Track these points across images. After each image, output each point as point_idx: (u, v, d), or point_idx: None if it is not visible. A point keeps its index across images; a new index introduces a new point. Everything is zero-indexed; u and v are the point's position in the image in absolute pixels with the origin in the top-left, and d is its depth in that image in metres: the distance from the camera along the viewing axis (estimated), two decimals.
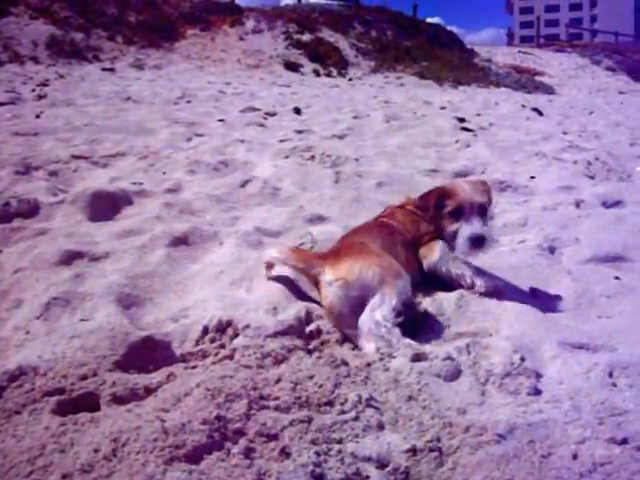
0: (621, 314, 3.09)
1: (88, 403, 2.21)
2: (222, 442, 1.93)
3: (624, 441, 2.03)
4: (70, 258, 3.44)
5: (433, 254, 3.20)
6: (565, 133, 9.82)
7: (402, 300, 2.75)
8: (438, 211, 3.20)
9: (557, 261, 3.84)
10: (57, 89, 11.03)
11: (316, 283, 2.97)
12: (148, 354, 2.55)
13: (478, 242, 3.07)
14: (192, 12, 21.36)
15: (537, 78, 27.13)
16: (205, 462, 1.85)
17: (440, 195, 3.20)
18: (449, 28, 32.96)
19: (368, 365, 2.42)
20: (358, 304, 2.75)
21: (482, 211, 3.14)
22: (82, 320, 2.77)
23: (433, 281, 3.22)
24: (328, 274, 2.85)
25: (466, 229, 3.10)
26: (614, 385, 2.40)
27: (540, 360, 2.58)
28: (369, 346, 2.60)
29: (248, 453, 1.91)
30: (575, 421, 2.13)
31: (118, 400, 2.21)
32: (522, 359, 2.49)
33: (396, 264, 2.93)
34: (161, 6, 20.89)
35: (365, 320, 2.68)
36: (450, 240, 3.18)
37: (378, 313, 2.67)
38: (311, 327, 2.80)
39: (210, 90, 12.51)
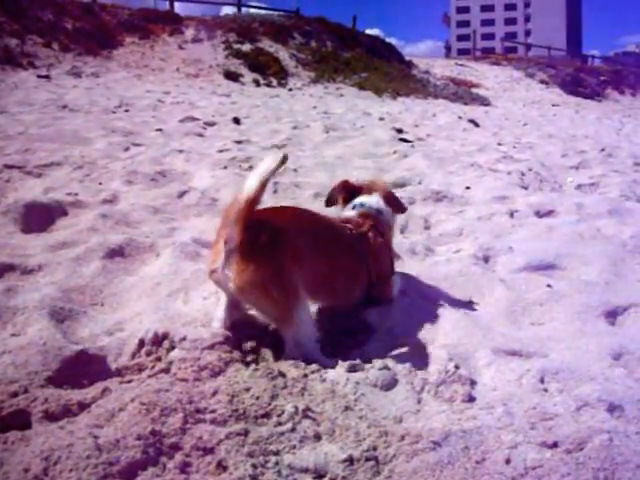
0: (553, 321, 3.17)
1: (19, 421, 2.14)
2: (157, 457, 1.90)
3: (555, 445, 2.08)
4: (1, 271, 3.34)
5: (392, 293, 3.22)
6: (500, 144, 10.06)
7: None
8: None
9: (491, 270, 3.92)
10: None
11: None
12: (82, 369, 2.49)
13: None
14: (131, 20, 21.10)
15: (474, 90, 27.65)
16: (140, 478, 1.82)
17: None
18: (388, 40, 33.47)
19: (305, 376, 2.42)
20: None
21: None
22: (13, 335, 2.69)
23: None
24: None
25: None
26: (545, 390, 2.46)
27: (474, 367, 2.63)
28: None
29: (184, 468, 1.89)
30: (508, 426, 2.17)
31: (50, 417, 2.15)
32: (457, 367, 2.53)
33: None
34: (99, 13, 20.59)
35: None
36: None
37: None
38: (248, 339, 2.79)
39: (148, 99, 12.35)
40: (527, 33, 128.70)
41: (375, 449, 2.03)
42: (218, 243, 2.56)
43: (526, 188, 6.59)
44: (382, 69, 24.89)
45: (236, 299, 2.72)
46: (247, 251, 2.46)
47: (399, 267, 3.76)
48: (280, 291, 2.54)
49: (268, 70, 21.21)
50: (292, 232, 2.66)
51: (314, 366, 2.50)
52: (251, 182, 2.43)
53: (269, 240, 2.53)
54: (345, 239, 3.02)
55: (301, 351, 2.60)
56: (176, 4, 25.61)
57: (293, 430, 2.09)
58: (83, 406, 2.22)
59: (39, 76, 14.59)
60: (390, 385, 2.44)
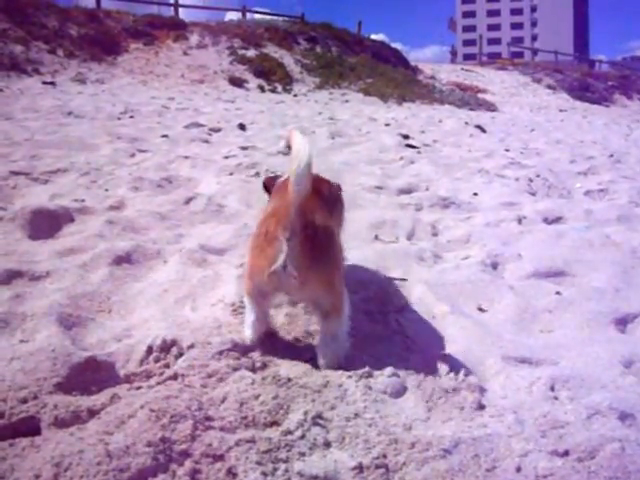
0: (562, 328, 3.16)
1: (28, 427, 2.14)
2: (167, 464, 1.90)
3: (566, 453, 2.07)
4: (9, 277, 3.34)
5: None
6: (507, 150, 10.03)
7: None
8: None
9: (500, 277, 3.91)
10: None
11: None
12: (91, 375, 2.49)
13: None
14: (135, 26, 21.16)
15: (480, 95, 27.57)
16: None
17: None
18: (393, 45, 33.39)
19: (313, 383, 2.42)
20: None
21: None
22: (22, 341, 2.69)
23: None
24: None
25: None
26: (556, 398, 2.45)
27: (484, 375, 2.62)
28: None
29: (194, 475, 1.89)
30: (518, 434, 2.16)
31: (60, 423, 2.15)
32: (466, 374, 2.52)
33: None
34: (103, 20, 20.65)
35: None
36: None
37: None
38: (257, 345, 2.78)
39: (153, 105, 12.36)
40: (534, 38, 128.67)
41: (385, 457, 2.02)
42: (271, 244, 2.50)
43: (534, 194, 6.58)
44: (387, 74, 24.88)
45: (268, 306, 2.78)
46: (310, 246, 2.46)
47: (406, 273, 3.77)
48: (339, 281, 2.60)
49: (273, 76, 21.24)
50: (330, 217, 2.77)
51: (322, 372, 2.50)
52: (301, 177, 2.38)
53: (325, 232, 2.57)
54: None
55: (336, 345, 2.60)
56: (180, 10, 25.75)
57: (302, 437, 2.08)
58: (93, 412, 2.22)
59: (44, 82, 14.65)
60: (399, 392, 2.42)
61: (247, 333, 2.75)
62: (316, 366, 2.57)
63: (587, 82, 35.67)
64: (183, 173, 6.32)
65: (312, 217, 2.53)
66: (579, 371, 2.63)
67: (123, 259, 3.71)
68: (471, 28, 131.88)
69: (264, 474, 1.90)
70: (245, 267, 2.74)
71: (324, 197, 2.87)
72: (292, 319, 3.00)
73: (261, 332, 2.74)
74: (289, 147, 2.57)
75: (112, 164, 6.42)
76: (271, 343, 2.77)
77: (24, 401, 2.24)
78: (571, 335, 3.06)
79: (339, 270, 2.64)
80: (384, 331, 2.97)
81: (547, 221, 5.40)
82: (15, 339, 2.73)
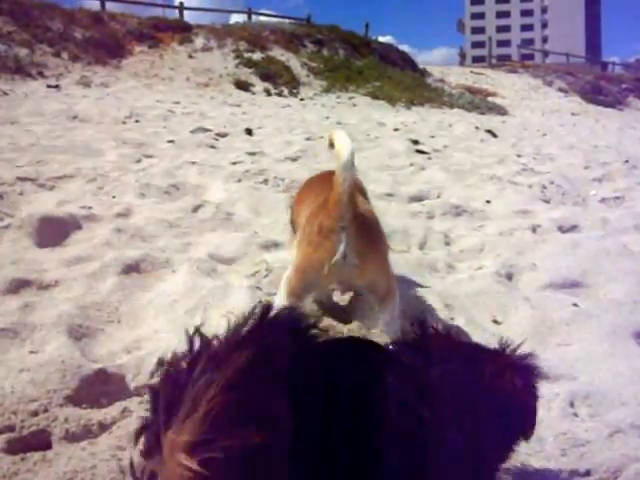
0: (580, 341, 3.10)
1: (39, 441, 2.13)
2: None
3: (587, 473, 2.03)
4: (18, 287, 3.31)
5: None
6: (519, 156, 9.93)
7: None
8: None
9: (515, 288, 3.85)
10: (0, 107, 10.76)
11: None
12: (101, 388, 2.47)
13: None
14: (140, 29, 21.15)
15: (490, 99, 27.39)
16: None
17: None
18: (401, 47, 33.31)
19: None
20: None
21: None
22: (31, 352, 2.66)
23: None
24: None
25: None
26: (575, 415, 2.41)
27: None
28: None
29: None
30: (538, 453, 2.13)
31: (71, 437, 2.14)
32: None
33: None
34: (108, 22, 20.66)
35: None
36: None
37: None
38: None
39: (159, 109, 12.30)
40: (544, 40, 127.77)
41: None
42: (329, 237, 2.55)
43: (548, 202, 6.51)
44: (395, 77, 24.78)
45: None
46: (365, 232, 2.59)
47: (420, 284, 3.72)
48: (389, 264, 2.78)
49: (279, 79, 21.20)
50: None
51: None
52: (347, 168, 2.47)
53: (372, 218, 2.72)
54: None
55: (396, 325, 2.67)
56: (185, 12, 25.80)
57: None
58: (104, 427, 2.22)
59: (49, 86, 14.62)
60: None
61: None
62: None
63: (600, 85, 35.33)
64: (190, 179, 6.26)
65: (359, 205, 2.65)
66: (599, 387, 2.58)
67: (132, 268, 3.67)
68: (480, 30, 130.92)
69: None
70: (295, 266, 2.71)
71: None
72: None
73: None
74: (332, 145, 2.64)
75: (118, 170, 6.36)
76: None
77: (34, 414, 2.22)
78: (590, 349, 3.00)
79: (388, 253, 2.82)
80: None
81: (562, 230, 5.31)
82: (25, 350, 2.70)
